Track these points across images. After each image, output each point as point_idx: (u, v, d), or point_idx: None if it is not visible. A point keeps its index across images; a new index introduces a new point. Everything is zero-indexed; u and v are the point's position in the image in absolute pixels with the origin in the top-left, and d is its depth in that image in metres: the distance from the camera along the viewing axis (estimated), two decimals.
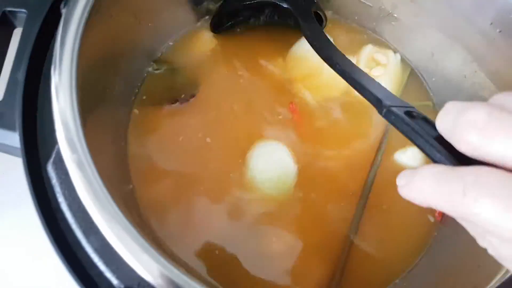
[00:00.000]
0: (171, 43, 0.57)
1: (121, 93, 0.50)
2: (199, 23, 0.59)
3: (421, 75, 0.59)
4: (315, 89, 0.57)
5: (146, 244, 0.32)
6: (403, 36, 0.58)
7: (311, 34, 0.48)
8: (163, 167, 0.52)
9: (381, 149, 0.53)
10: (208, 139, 0.53)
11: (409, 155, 0.53)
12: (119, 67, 0.49)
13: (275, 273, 0.48)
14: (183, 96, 0.55)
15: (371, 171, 0.52)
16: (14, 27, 0.46)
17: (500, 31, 0.47)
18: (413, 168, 0.27)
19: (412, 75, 0.59)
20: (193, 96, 0.55)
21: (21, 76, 0.40)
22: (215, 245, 0.49)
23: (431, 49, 0.56)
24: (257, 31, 0.59)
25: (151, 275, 0.31)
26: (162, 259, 0.31)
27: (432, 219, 0.52)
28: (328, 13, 0.60)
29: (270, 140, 0.55)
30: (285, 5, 0.53)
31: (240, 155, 0.53)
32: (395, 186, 0.28)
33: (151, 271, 0.31)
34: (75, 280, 0.35)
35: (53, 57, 0.37)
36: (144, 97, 0.54)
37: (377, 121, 0.56)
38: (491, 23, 0.47)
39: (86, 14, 0.39)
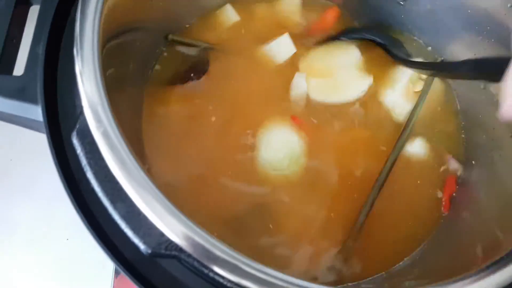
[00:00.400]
0: (187, 25, 0.57)
1: (136, 72, 0.50)
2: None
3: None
4: (324, 89, 0.57)
5: (172, 207, 0.32)
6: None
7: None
8: (175, 147, 0.53)
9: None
10: (214, 118, 0.54)
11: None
12: (134, 46, 0.49)
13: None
14: (192, 75, 0.55)
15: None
16: (30, 4, 0.46)
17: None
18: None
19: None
20: (204, 73, 0.55)
21: (41, 50, 0.40)
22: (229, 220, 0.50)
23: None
24: None
25: (178, 237, 0.32)
26: (189, 222, 0.32)
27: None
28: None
29: (280, 120, 0.55)
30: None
31: (252, 135, 0.54)
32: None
33: (178, 233, 0.32)
34: (103, 248, 0.35)
35: (75, 34, 0.37)
36: (158, 75, 0.54)
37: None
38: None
39: None
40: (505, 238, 0.39)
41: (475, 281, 0.34)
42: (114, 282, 0.74)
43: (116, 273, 0.75)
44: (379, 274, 0.50)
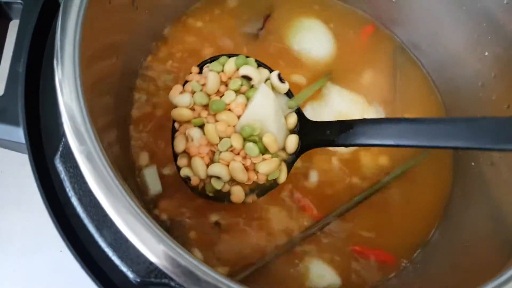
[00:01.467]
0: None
1: (123, 78, 0.49)
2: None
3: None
4: None
5: (161, 235, 0.31)
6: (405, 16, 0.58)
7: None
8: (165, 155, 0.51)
9: None
10: None
11: None
12: (119, 53, 0.47)
13: None
14: None
15: None
16: (10, 20, 0.44)
17: (507, 3, 0.46)
18: None
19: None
20: None
21: (21, 69, 0.39)
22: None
23: (435, 27, 0.55)
24: None
25: (167, 265, 0.30)
26: (178, 249, 0.31)
27: None
28: None
29: None
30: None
31: None
32: None
33: (168, 261, 0.30)
34: (89, 276, 0.34)
35: (55, 49, 0.35)
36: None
37: None
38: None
39: (85, 2, 0.37)
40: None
41: None
42: None
43: None
44: None
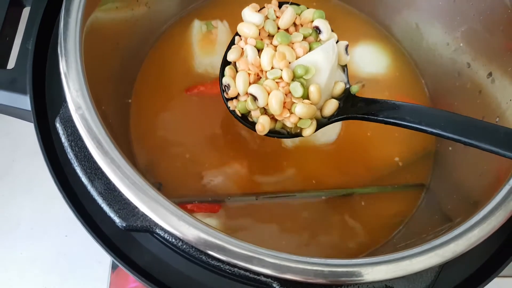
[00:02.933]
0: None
1: (123, 65, 0.53)
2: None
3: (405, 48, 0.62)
4: None
5: (144, 184, 0.35)
6: (387, 9, 0.61)
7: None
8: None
9: None
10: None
11: None
12: (121, 41, 0.52)
13: None
14: None
15: None
16: (23, 6, 0.50)
17: None
18: None
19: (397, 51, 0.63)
20: None
21: (31, 46, 0.43)
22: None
23: (415, 20, 0.59)
24: None
25: (150, 211, 0.34)
26: (159, 197, 0.34)
27: None
28: None
29: None
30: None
31: None
32: None
33: (150, 207, 0.34)
34: (82, 223, 0.38)
35: (59, 26, 0.40)
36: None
37: None
38: None
39: None
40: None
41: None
42: (110, 277, 0.77)
43: (113, 268, 0.77)
44: None
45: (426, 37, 0.59)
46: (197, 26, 0.60)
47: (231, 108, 0.46)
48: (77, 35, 0.40)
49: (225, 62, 0.47)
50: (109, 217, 0.36)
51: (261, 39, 0.45)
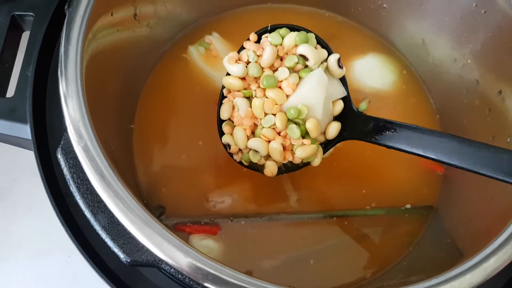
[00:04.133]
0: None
1: (125, 89, 0.53)
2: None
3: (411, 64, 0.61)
4: None
5: (149, 218, 0.34)
6: (392, 25, 0.60)
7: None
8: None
9: None
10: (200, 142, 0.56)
11: None
12: (122, 64, 0.51)
13: None
14: None
15: None
16: (22, 31, 0.49)
17: (485, 12, 0.49)
18: None
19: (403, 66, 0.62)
20: None
21: (30, 73, 0.42)
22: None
23: (421, 36, 0.58)
24: None
25: (155, 246, 0.33)
26: (165, 232, 0.33)
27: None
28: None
29: None
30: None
31: None
32: None
33: (155, 243, 0.33)
34: (85, 257, 0.37)
35: (59, 54, 0.39)
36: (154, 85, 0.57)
37: None
38: (476, 5, 0.49)
39: (88, 13, 0.41)
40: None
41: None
42: None
43: None
44: None
45: (432, 53, 0.58)
46: (193, 50, 0.60)
47: (237, 160, 0.48)
48: (78, 63, 0.39)
49: (221, 120, 0.48)
50: (113, 251, 0.35)
51: (249, 84, 0.46)
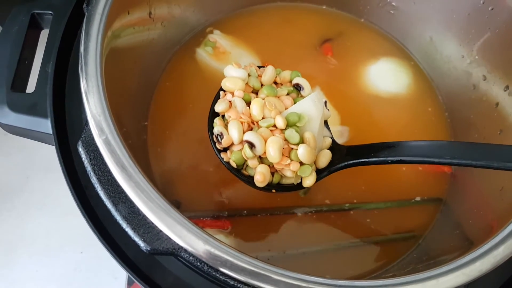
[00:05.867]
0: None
1: (140, 86, 0.54)
2: None
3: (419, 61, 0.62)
4: None
5: (169, 207, 0.35)
6: (400, 23, 0.62)
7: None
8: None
9: None
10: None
11: None
12: (137, 62, 0.52)
13: None
14: None
15: None
16: (41, 29, 0.50)
17: (492, 9, 0.50)
18: None
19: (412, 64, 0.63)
20: None
21: (50, 69, 0.44)
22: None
23: (429, 33, 0.59)
24: None
25: (174, 235, 0.34)
26: (184, 220, 0.35)
27: None
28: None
29: None
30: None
31: None
32: None
33: (175, 231, 0.34)
34: (106, 247, 0.38)
35: (80, 50, 0.41)
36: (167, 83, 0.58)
37: None
38: (483, 2, 0.50)
39: (106, 12, 0.43)
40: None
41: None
42: None
43: (129, 283, 0.78)
44: None
45: (440, 49, 0.59)
46: (202, 52, 0.61)
47: (224, 160, 0.44)
48: (98, 59, 0.40)
49: (213, 115, 0.46)
50: (133, 241, 0.36)
51: (248, 93, 0.45)
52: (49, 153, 0.51)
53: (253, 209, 0.53)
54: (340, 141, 0.56)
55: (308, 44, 0.63)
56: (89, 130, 0.38)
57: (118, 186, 0.36)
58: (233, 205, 0.53)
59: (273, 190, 0.45)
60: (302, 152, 0.42)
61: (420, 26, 0.60)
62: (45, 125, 0.43)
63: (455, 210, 0.52)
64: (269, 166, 0.43)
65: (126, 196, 0.36)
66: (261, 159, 0.43)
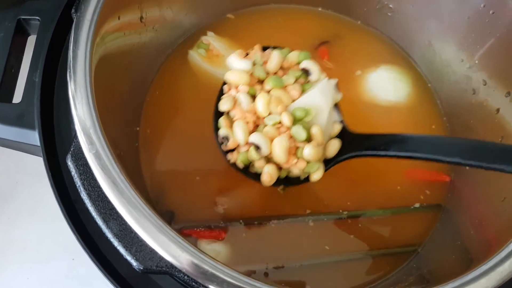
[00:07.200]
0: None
1: (131, 92, 0.52)
2: None
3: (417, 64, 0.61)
4: None
5: (162, 225, 0.33)
6: (398, 26, 0.60)
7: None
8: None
9: None
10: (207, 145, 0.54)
11: None
12: (129, 68, 0.51)
13: None
14: None
15: None
16: (28, 35, 0.48)
17: (493, 12, 0.48)
18: None
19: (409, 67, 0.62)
20: None
21: (37, 78, 0.42)
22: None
23: (428, 37, 0.58)
24: None
25: (168, 254, 0.33)
26: (178, 239, 0.33)
27: None
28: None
29: None
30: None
31: None
32: None
33: (168, 250, 0.33)
34: (97, 265, 0.36)
35: (68, 58, 0.39)
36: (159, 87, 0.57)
37: None
38: (484, 6, 0.49)
39: (96, 17, 0.41)
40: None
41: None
42: None
43: None
44: None
45: (439, 53, 0.58)
46: (194, 54, 0.59)
47: (231, 161, 0.44)
48: (87, 67, 0.39)
49: (218, 113, 0.45)
50: (125, 258, 0.35)
51: (252, 84, 0.44)
52: (40, 158, 0.49)
53: (249, 218, 0.52)
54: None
55: (304, 47, 0.61)
56: (79, 142, 0.37)
57: (109, 202, 0.35)
58: (228, 214, 0.52)
59: (280, 188, 0.45)
60: (308, 152, 0.42)
61: (418, 29, 0.59)
62: (33, 137, 0.41)
63: (455, 219, 0.51)
64: (276, 164, 0.43)
65: (117, 212, 0.34)
66: (268, 158, 0.43)
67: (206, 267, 0.32)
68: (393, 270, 0.51)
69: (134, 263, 0.34)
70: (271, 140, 0.42)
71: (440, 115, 0.59)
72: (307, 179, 0.45)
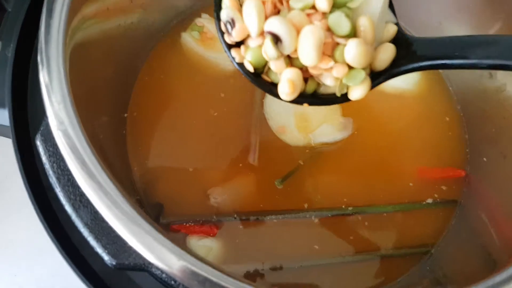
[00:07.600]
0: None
1: (118, 76, 0.48)
2: None
3: None
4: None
5: (137, 215, 0.29)
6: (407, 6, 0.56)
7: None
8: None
9: None
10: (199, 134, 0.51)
11: None
12: (114, 50, 0.47)
13: None
14: None
15: None
16: (6, 11, 0.44)
17: None
18: None
19: None
20: None
21: (10, 53, 0.38)
22: None
23: (438, 18, 0.53)
24: None
25: (144, 248, 0.28)
26: (154, 231, 0.29)
27: None
28: None
29: None
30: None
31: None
32: None
33: (144, 244, 0.28)
34: (65, 259, 0.32)
35: (39, 31, 0.35)
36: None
37: None
38: None
39: None
40: None
41: None
42: None
43: None
44: None
45: (450, 34, 0.53)
46: (187, 37, 0.55)
47: (236, 60, 0.31)
48: (61, 40, 0.35)
49: None
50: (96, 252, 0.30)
51: None
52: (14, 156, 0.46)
53: (244, 212, 0.48)
54: (344, 134, 0.51)
55: None
56: (49, 121, 0.32)
57: (79, 187, 0.30)
58: (222, 208, 0.48)
59: (305, 104, 0.31)
60: (353, 52, 0.28)
61: (427, 9, 0.54)
62: (2, 116, 0.37)
63: (472, 216, 0.46)
64: (301, 69, 0.30)
65: (88, 200, 0.30)
66: (290, 59, 0.30)
67: (185, 263, 0.28)
68: (403, 272, 0.47)
69: (105, 257, 0.30)
70: (298, 30, 0.28)
71: (453, 102, 0.55)
72: (344, 97, 0.31)
